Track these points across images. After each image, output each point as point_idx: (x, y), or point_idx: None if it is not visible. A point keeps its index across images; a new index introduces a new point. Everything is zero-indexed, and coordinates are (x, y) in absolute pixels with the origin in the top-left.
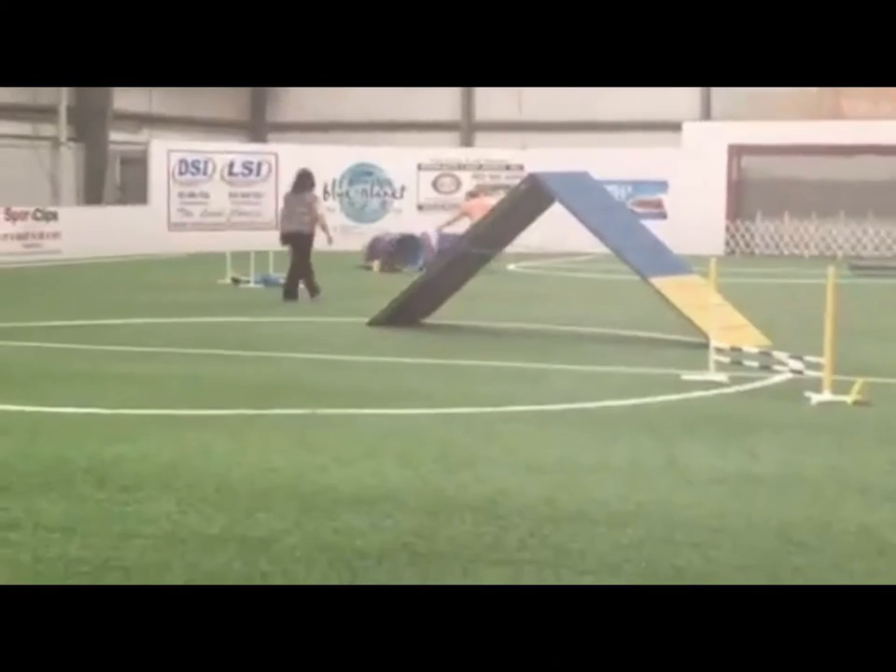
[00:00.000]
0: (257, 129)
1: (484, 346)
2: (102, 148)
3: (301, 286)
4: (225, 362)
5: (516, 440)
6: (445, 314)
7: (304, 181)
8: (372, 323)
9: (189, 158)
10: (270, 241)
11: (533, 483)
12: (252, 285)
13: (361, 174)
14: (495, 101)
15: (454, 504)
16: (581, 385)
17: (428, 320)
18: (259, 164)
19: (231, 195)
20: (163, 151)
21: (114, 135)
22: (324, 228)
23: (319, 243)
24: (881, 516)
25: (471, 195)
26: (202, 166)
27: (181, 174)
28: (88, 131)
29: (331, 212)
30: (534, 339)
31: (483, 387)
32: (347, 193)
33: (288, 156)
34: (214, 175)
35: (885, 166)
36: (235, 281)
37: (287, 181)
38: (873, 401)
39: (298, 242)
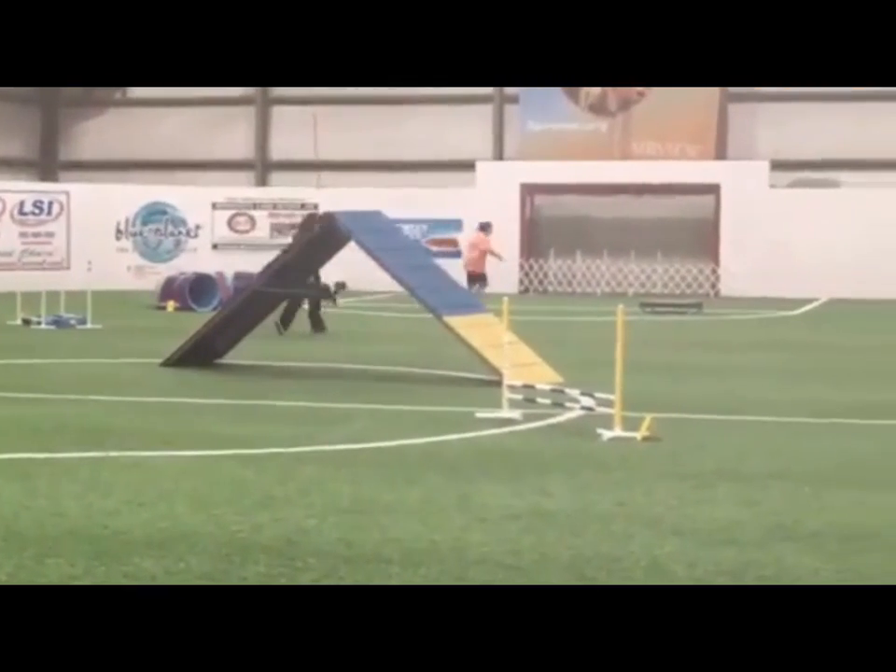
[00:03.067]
0: (47, 168)
1: (280, 386)
2: None
3: (322, 311)
4: (14, 405)
5: (312, 480)
6: (241, 353)
7: None
8: (166, 363)
9: None
10: (61, 281)
11: (329, 523)
12: (43, 326)
13: (155, 213)
14: (290, 140)
15: (248, 546)
16: (377, 424)
17: (224, 360)
18: (51, 203)
19: (22, 235)
20: None
21: None
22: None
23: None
24: (669, 550)
25: None
26: None
27: None
28: None
29: (124, 252)
30: (330, 378)
31: (278, 427)
32: (141, 233)
33: (81, 195)
34: (3, 215)
35: (673, 205)
36: (26, 322)
37: (78, 220)
38: (662, 436)
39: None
